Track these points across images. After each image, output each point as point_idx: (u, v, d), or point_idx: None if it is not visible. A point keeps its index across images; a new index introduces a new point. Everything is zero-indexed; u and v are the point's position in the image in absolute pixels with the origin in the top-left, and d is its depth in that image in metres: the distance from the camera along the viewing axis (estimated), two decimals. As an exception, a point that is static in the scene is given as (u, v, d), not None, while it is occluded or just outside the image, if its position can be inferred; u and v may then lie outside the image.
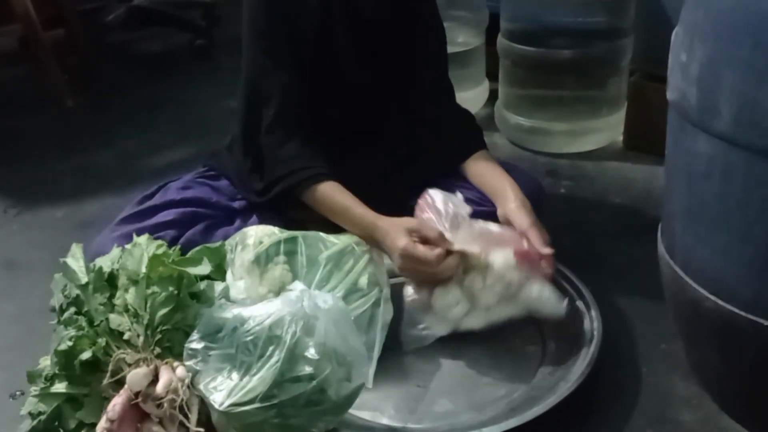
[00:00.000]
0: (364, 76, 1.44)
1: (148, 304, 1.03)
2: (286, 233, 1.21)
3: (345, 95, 1.44)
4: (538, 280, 1.21)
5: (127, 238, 1.23)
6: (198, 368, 0.99)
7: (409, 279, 1.24)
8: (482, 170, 1.40)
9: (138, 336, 1.02)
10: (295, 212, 1.39)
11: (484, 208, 1.33)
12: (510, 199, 1.30)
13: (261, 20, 1.36)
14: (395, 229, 1.21)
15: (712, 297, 1.00)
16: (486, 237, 1.22)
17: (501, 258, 1.20)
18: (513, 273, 1.20)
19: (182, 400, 0.96)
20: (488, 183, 1.38)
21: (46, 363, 1.09)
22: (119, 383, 1.00)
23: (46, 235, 1.85)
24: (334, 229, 1.29)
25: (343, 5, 1.36)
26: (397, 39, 1.43)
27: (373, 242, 1.26)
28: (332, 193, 1.32)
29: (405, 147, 1.47)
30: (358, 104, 1.46)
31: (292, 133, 1.36)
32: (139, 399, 0.97)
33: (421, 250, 1.18)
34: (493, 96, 2.24)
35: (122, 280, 1.08)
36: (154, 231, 1.29)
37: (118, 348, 1.02)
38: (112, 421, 0.96)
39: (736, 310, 0.97)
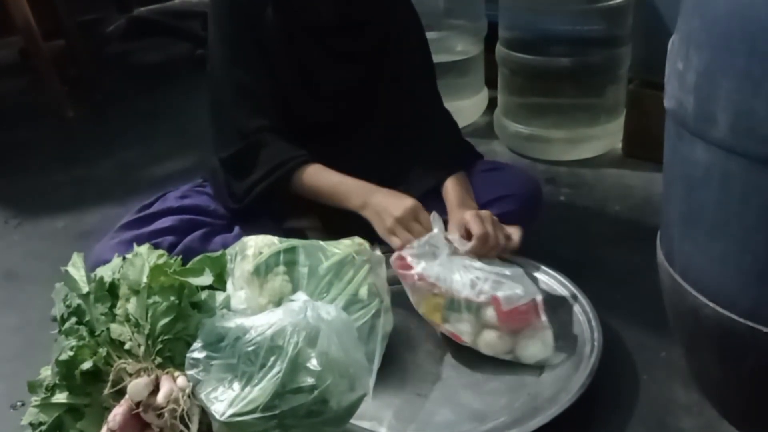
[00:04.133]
0: (333, 78, 1.44)
1: (150, 314, 1.03)
2: (286, 243, 1.20)
3: (319, 98, 1.45)
4: (534, 335, 1.22)
5: (126, 244, 1.25)
6: (200, 378, 0.99)
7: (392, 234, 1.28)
8: (448, 192, 1.41)
9: (139, 346, 1.02)
10: (294, 221, 1.40)
11: None
12: (452, 206, 1.36)
13: (224, 30, 1.40)
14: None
15: (711, 304, 1.01)
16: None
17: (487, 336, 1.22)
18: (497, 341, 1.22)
19: (183, 410, 0.96)
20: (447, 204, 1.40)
21: (46, 373, 1.09)
22: (120, 393, 0.99)
23: (46, 245, 1.86)
24: (334, 237, 1.29)
25: (297, 10, 1.38)
26: (361, 39, 1.44)
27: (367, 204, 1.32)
28: (320, 171, 1.38)
29: (386, 154, 1.48)
30: (335, 107, 1.47)
31: (267, 132, 1.39)
32: (140, 409, 0.97)
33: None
34: (492, 104, 2.25)
35: (123, 290, 1.08)
36: (152, 237, 1.30)
37: (119, 358, 1.02)
38: (113, 431, 0.96)
39: (736, 317, 0.98)
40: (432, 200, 1.43)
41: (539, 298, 1.21)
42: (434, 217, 1.26)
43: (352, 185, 1.35)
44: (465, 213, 1.30)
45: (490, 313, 1.19)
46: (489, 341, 1.21)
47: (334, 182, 1.37)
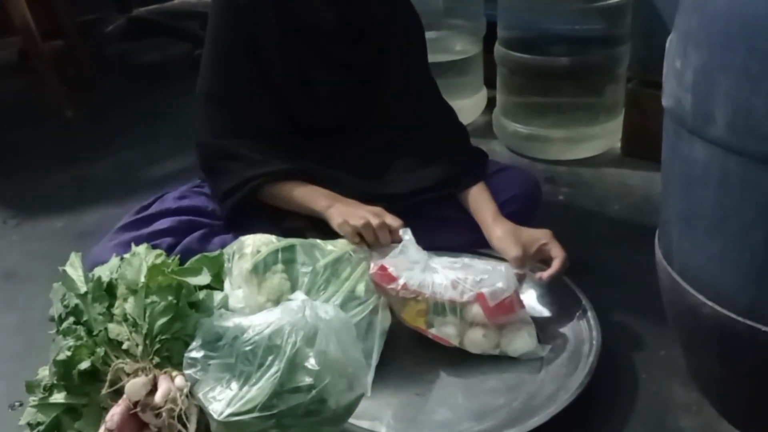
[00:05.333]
0: (332, 81, 1.44)
1: (147, 314, 1.03)
2: (284, 241, 1.21)
3: (318, 101, 1.45)
4: (519, 328, 1.23)
5: (125, 246, 1.25)
6: (197, 377, 0.99)
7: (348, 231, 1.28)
8: (473, 202, 1.41)
9: (137, 345, 1.02)
10: (292, 220, 1.40)
11: None
12: (493, 231, 1.34)
13: (219, 30, 1.40)
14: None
15: (710, 303, 1.00)
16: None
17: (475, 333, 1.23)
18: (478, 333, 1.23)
19: (181, 409, 0.96)
20: (477, 216, 1.39)
21: (44, 373, 1.08)
22: (118, 393, 0.99)
23: (45, 245, 1.85)
24: (333, 236, 1.29)
25: (299, 13, 1.38)
26: (361, 45, 1.44)
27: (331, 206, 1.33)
28: (288, 183, 1.38)
29: (387, 156, 1.47)
30: (334, 110, 1.47)
31: (246, 139, 1.38)
32: (138, 409, 0.97)
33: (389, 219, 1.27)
34: (491, 104, 2.25)
35: (121, 290, 1.08)
36: (151, 239, 1.30)
37: (117, 358, 1.02)
38: (110, 431, 0.95)
39: (734, 316, 0.98)
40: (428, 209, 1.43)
41: (518, 289, 1.24)
42: (403, 229, 1.26)
43: (320, 190, 1.37)
44: (537, 232, 1.33)
45: (474, 311, 1.21)
46: (475, 340, 1.23)
47: (302, 189, 1.37)
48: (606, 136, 2.04)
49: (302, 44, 1.40)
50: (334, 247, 1.22)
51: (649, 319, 1.35)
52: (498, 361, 1.24)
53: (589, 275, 1.44)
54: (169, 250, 1.31)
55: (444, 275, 1.22)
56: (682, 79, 0.95)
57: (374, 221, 1.26)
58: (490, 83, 2.23)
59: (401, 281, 1.20)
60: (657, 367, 1.27)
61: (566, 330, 1.28)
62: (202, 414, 0.98)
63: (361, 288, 1.18)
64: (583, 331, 1.26)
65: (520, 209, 1.41)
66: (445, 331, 1.22)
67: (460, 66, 2.17)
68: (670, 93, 1.00)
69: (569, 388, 1.14)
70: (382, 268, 1.22)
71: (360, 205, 1.33)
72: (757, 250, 0.93)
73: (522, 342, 1.23)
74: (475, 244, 1.39)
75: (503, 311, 1.21)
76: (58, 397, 1.03)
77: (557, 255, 1.30)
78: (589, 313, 1.28)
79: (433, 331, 1.23)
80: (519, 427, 1.08)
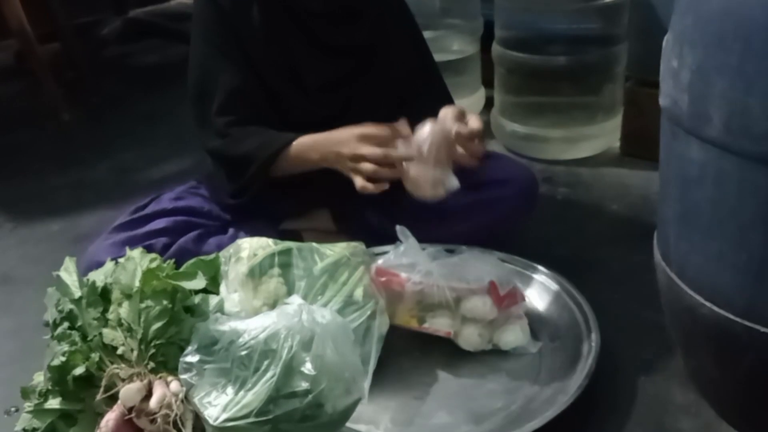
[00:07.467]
0: (324, 71, 1.43)
1: (142, 319, 1.03)
2: (281, 245, 1.20)
3: (309, 93, 1.44)
4: (513, 322, 1.25)
5: (120, 245, 1.25)
6: (193, 382, 0.99)
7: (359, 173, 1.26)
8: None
9: (132, 350, 1.02)
10: (289, 222, 1.40)
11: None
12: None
13: (203, 24, 1.39)
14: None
15: (708, 303, 1.00)
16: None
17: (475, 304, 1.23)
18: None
19: (176, 415, 0.95)
20: None
21: (40, 379, 1.08)
22: (113, 398, 0.99)
23: (42, 249, 1.85)
24: (330, 239, 1.29)
25: (286, 2, 1.37)
26: (354, 32, 1.43)
27: (332, 153, 1.29)
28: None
29: None
30: (326, 101, 1.46)
31: (236, 126, 1.38)
32: (133, 414, 0.96)
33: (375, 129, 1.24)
34: (488, 103, 2.25)
35: (116, 295, 1.07)
36: (146, 238, 1.30)
37: (112, 363, 1.01)
38: (105, 437, 0.95)
39: (732, 317, 0.97)
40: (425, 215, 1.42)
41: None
42: (401, 230, 1.25)
43: (304, 143, 1.34)
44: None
45: (470, 305, 1.21)
46: (469, 338, 1.24)
47: (291, 149, 1.35)
48: (604, 135, 2.04)
49: (291, 31, 1.38)
50: (331, 251, 1.21)
51: (648, 320, 1.35)
52: (496, 363, 1.24)
53: (588, 275, 1.43)
54: (164, 250, 1.31)
55: (448, 273, 1.22)
56: (678, 79, 0.95)
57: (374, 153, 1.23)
58: (487, 83, 2.23)
59: (403, 275, 1.21)
60: (655, 368, 1.27)
61: (565, 331, 1.28)
62: (198, 419, 0.98)
63: (359, 292, 1.18)
64: (581, 332, 1.26)
65: (516, 195, 1.40)
66: (439, 321, 1.23)
67: (458, 66, 2.17)
68: (666, 93, 1.00)
69: (568, 391, 1.13)
70: (380, 271, 1.22)
71: (340, 140, 1.28)
72: (754, 250, 0.92)
73: (514, 336, 1.24)
74: (474, 237, 1.38)
75: (510, 301, 1.23)
76: (53, 403, 1.03)
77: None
78: (588, 314, 1.28)
79: (426, 326, 1.23)
80: (517, 431, 1.07)
